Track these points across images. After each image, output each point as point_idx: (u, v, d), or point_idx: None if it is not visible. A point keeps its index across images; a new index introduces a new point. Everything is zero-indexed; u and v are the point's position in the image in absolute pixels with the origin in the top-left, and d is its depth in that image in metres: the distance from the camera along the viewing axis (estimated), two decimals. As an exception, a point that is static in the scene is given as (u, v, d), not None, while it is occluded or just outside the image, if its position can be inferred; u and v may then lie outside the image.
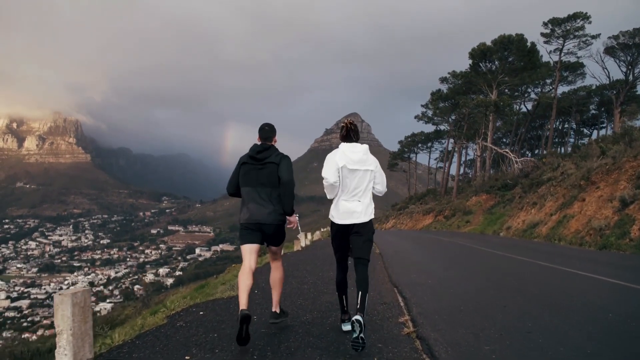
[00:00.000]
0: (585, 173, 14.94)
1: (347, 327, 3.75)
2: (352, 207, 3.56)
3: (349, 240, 3.62)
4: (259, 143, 3.81)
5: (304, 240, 12.99)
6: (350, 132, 3.65)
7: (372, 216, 3.66)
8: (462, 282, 6.51)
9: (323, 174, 3.57)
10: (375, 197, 3.74)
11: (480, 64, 39.08)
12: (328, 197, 3.72)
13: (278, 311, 3.88)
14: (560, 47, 35.77)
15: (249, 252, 3.67)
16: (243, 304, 3.38)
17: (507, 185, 30.65)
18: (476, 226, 26.10)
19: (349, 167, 3.54)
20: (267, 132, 3.81)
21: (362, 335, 3.15)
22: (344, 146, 3.63)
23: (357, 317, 3.19)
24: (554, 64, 37.20)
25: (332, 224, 3.68)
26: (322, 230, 27.30)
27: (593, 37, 35.23)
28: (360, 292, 3.40)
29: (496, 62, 38.34)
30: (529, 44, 36.19)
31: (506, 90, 39.05)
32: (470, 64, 39.66)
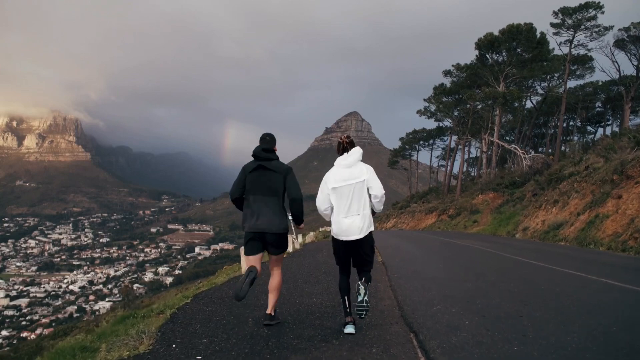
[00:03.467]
0: (618, 166, 13.00)
1: (349, 329, 3.67)
2: (352, 223, 3.64)
3: (352, 254, 3.76)
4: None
5: (291, 244, 10.78)
6: (345, 150, 3.81)
7: (372, 228, 3.75)
8: (524, 324, 3.95)
9: (316, 202, 3.81)
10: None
11: (487, 55, 37.57)
12: (326, 219, 3.88)
13: (273, 314, 3.99)
14: (571, 38, 33.65)
15: (253, 261, 3.96)
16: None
17: (515, 183, 29.11)
18: (485, 226, 24.46)
19: (338, 185, 3.69)
20: (268, 142, 4.03)
21: (366, 298, 3.50)
22: (337, 160, 3.81)
23: (361, 284, 3.57)
24: (563, 57, 35.25)
25: (334, 240, 3.79)
26: (319, 230, 25.38)
27: (606, 28, 33.14)
28: (364, 279, 3.67)
29: (504, 53, 36.75)
30: (538, 34, 34.46)
31: (513, 84, 37.32)
32: (476, 55, 38.11)
